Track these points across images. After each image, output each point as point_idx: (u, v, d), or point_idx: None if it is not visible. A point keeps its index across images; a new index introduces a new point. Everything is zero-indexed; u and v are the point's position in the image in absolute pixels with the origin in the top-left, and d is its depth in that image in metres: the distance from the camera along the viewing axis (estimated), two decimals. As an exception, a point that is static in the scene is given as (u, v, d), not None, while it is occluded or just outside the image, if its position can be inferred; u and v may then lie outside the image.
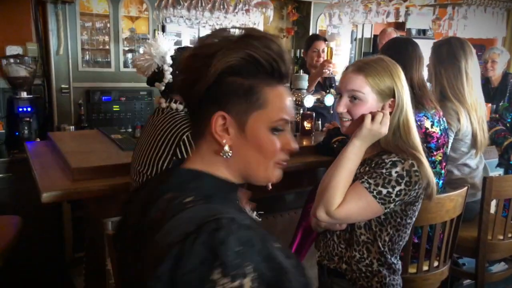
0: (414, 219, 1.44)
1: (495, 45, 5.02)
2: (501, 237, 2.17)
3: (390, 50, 1.96)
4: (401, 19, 2.90)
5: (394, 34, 3.84)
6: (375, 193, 1.30)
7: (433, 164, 1.92)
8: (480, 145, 2.24)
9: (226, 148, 0.80)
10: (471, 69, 2.18)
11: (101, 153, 2.02)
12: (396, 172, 1.30)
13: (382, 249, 1.39)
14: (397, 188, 1.30)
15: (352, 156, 1.35)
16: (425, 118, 1.88)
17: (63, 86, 3.55)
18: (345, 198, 1.33)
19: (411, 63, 1.91)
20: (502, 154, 2.79)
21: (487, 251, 2.11)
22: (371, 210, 1.33)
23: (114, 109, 3.80)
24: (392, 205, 1.33)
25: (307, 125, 2.66)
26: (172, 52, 1.53)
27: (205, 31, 2.95)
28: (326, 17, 2.74)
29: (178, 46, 1.61)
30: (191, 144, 1.40)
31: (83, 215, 2.48)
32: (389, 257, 1.41)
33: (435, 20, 3.34)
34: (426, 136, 1.87)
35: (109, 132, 2.52)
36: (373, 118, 1.32)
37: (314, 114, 2.70)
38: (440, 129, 1.92)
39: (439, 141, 1.92)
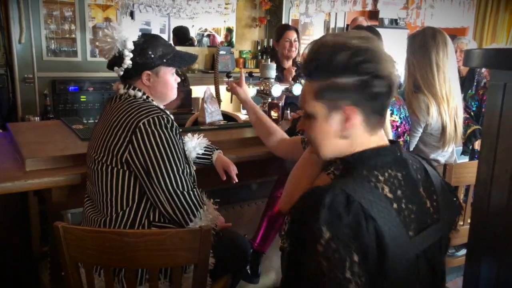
0: None
1: (466, 34, 5.10)
2: (461, 223, 2.20)
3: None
4: (368, 7, 2.89)
5: (364, 23, 3.84)
6: None
7: (393, 152, 1.94)
8: (448, 138, 2.18)
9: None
10: (443, 59, 2.12)
11: (58, 144, 1.96)
12: None
13: None
14: None
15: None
16: (385, 106, 1.89)
17: (27, 76, 3.45)
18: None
19: None
20: (465, 142, 2.83)
21: (447, 236, 2.14)
22: None
23: (82, 99, 3.72)
24: None
25: (274, 114, 2.65)
26: (135, 38, 1.50)
27: (177, 21, 2.90)
28: (293, 6, 2.71)
29: (143, 33, 1.57)
30: (147, 131, 1.38)
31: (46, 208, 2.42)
32: None
33: (403, 9, 3.36)
34: (386, 124, 1.89)
35: (72, 123, 2.46)
36: None
37: (281, 103, 2.69)
38: (400, 117, 1.93)
39: (399, 129, 1.93)
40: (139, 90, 1.52)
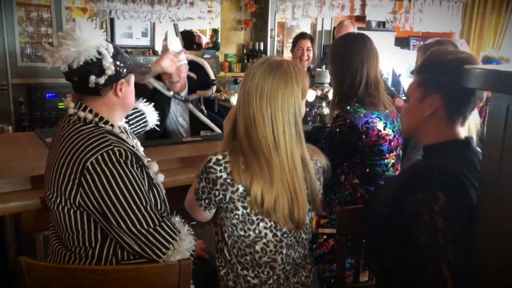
0: (254, 234, 1.30)
1: (453, 38, 5.06)
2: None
3: (347, 46, 1.85)
4: (356, 12, 2.81)
5: (351, 27, 3.76)
6: (196, 189, 1.33)
7: (385, 167, 1.85)
8: None
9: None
10: None
11: (28, 161, 1.83)
12: (201, 167, 1.29)
13: (229, 258, 1.37)
14: (201, 184, 1.29)
15: None
16: (378, 119, 1.79)
17: (0, 82, 3.28)
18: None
19: (369, 59, 1.83)
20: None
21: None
22: (195, 206, 1.36)
23: (60, 106, 3.57)
24: (203, 202, 1.32)
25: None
26: (104, 43, 1.31)
27: (162, 26, 2.77)
28: (279, 11, 2.61)
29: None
30: (96, 171, 1.20)
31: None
32: (240, 268, 1.36)
33: (391, 13, 3.28)
34: (378, 138, 1.79)
35: (46, 135, 2.31)
36: None
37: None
38: (393, 131, 1.84)
39: (392, 143, 1.84)
40: (90, 111, 1.33)
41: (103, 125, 1.35)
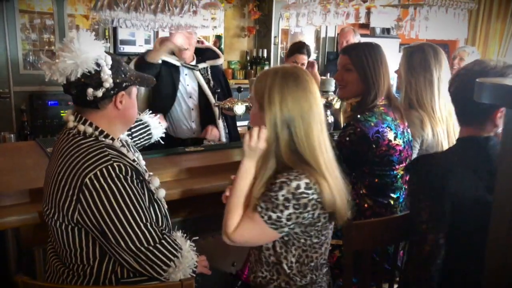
0: (324, 238, 1.37)
1: (458, 45, 5.03)
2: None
3: (376, 56, 1.80)
4: (361, 20, 2.77)
5: (352, 33, 3.75)
6: (266, 218, 1.25)
7: (394, 178, 1.80)
8: None
9: None
10: (444, 80, 2.04)
11: (28, 173, 1.79)
12: (282, 195, 1.23)
13: (289, 271, 1.35)
14: (286, 212, 1.24)
15: (243, 174, 1.33)
16: (388, 129, 1.75)
17: (2, 90, 3.26)
18: (240, 222, 1.30)
19: (387, 70, 1.79)
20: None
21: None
22: (265, 235, 1.29)
23: (62, 114, 3.53)
24: (286, 229, 1.28)
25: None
26: (103, 55, 1.28)
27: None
28: (283, 18, 2.58)
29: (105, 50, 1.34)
30: (95, 187, 1.17)
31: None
32: (298, 279, 1.36)
33: (397, 21, 3.24)
34: (388, 148, 1.75)
35: (48, 144, 2.28)
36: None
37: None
38: (403, 141, 1.80)
39: (402, 154, 1.79)
40: (90, 124, 1.30)
41: (103, 139, 1.31)
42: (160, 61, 2.57)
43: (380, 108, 1.77)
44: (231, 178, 1.41)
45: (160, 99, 2.72)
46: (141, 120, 1.86)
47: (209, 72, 2.76)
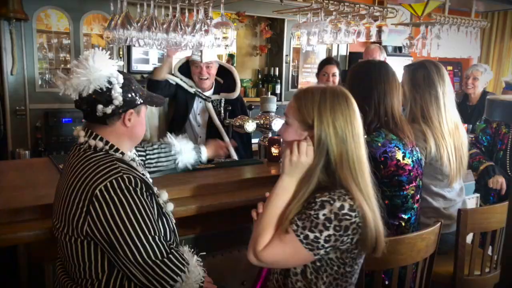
0: (356, 267, 1.32)
1: (471, 64, 4.99)
2: (479, 273, 2.03)
3: (376, 76, 1.79)
4: (372, 39, 2.78)
5: (378, 50, 3.69)
6: (302, 237, 1.19)
7: (405, 198, 1.78)
8: (454, 174, 2.06)
9: None
10: (448, 95, 2.06)
11: (39, 189, 1.81)
12: (323, 214, 1.18)
13: None
14: (325, 233, 1.18)
15: (280, 191, 1.28)
16: (397, 149, 1.73)
17: (18, 108, 3.33)
18: (272, 240, 1.22)
19: (391, 90, 1.78)
20: (479, 180, 2.67)
21: (464, 288, 1.97)
22: (298, 256, 1.22)
23: (76, 131, 3.58)
24: (322, 251, 1.21)
25: (274, 151, 2.51)
26: (115, 73, 1.32)
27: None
28: (294, 38, 2.61)
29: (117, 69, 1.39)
30: (105, 198, 1.18)
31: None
32: None
33: (409, 39, 3.25)
34: (397, 168, 1.73)
35: (60, 161, 2.31)
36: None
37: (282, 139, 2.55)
38: (412, 161, 1.78)
39: (412, 173, 1.77)
40: (101, 139, 1.33)
41: (114, 153, 1.34)
42: (173, 82, 2.63)
43: (388, 128, 1.76)
44: (266, 195, 1.34)
45: (174, 121, 2.76)
46: (168, 144, 1.86)
47: (222, 104, 2.78)
